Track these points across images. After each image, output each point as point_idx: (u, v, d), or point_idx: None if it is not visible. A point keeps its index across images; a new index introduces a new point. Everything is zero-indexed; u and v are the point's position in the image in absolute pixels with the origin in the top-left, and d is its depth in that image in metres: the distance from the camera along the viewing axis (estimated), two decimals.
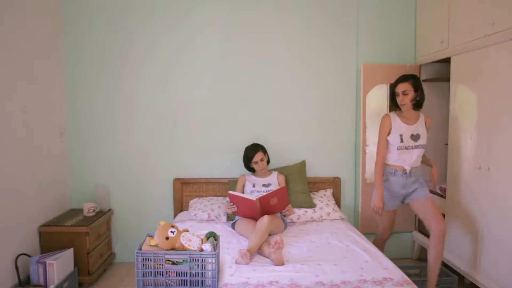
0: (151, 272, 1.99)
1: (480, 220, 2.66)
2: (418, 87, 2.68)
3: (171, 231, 2.05)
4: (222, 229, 2.92)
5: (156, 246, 2.04)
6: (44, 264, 2.68)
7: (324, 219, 3.19)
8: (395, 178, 2.75)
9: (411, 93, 2.66)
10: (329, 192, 3.50)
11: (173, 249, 2.04)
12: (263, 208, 2.79)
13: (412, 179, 2.74)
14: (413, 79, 2.68)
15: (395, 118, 2.74)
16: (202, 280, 2.00)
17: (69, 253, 2.87)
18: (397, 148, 2.71)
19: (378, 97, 3.49)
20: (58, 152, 3.34)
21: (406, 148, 2.70)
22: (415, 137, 2.70)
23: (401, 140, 2.69)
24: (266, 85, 3.51)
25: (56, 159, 3.30)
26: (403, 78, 2.70)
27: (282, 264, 2.25)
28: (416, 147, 2.71)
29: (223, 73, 3.49)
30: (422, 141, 2.71)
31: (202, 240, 2.10)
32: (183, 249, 2.03)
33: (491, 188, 2.56)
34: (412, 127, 2.71)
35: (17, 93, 2.76)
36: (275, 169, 3.38)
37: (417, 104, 2.72)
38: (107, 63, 3.44)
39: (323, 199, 3.36)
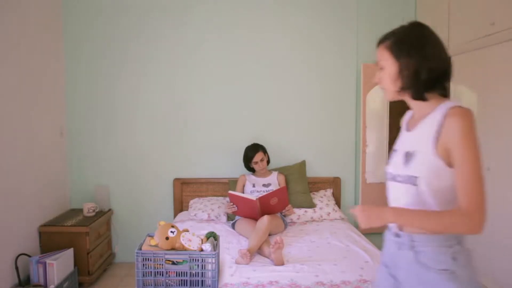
0: (151, 272, 1.99)
1: None
2: (404, 53, 1.22)
3: (171, 231, 2.05)
4: (222, 229, 2.92)
5: (156, 246, 2.04)
6: (44, 264, 2.68)
7: (324, 219, 3.19)
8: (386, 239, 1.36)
9: (389, 67, 1.25)
10: (329, 192, 3.50)
11: (173, 249, 2.04)
12: (263, 208, 2.79)
13: (409, 256, 1.23)
14: (393, 38, 1.25)
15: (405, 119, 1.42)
16: (202, 280, 2.01)
17: (69, 253, 2.86)
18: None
19: (378, 97, 3.49)
20: (58, 152, 3.34)
21: (391, 177, 1.32)
22: (406, 157, 1.25)
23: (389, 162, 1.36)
24: (266, 85, 3.51)
25: (56, 159, 3.30)
26: (383, 37, 1.29)
27: (282, 264, 2.26)
28: (399, 179, 1.27)
29: (224, 73, 3.49)
30: (417, 168, 1.20)
31: (202, 240, 2.11)
32: (183, 249, 2.03)
33: (491, 188, 2.56)
34: (409, 136, 1.31)
35: (17, 93, 2.76)
36: (275, 169, 3.38)
37: (409, 90, 1.25)
38: (107, 63, 3.44)
39: (323, 199, 3.36)
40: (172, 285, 2.00)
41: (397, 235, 1.28)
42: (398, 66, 1.24)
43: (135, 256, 2.00)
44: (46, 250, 2.92)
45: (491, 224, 2.60)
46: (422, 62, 1.20)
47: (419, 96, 1.25)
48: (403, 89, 1.26)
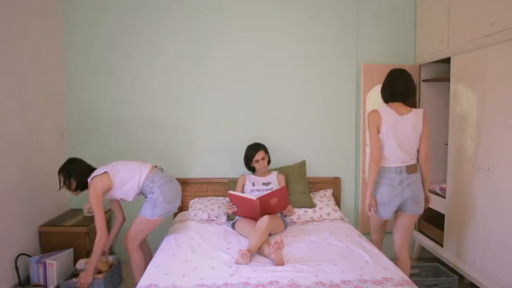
0: None
1: (480, 220, 2.66)
2: None
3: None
4: (222, 229, 2.92)
5: None
6: (44, 264, 2.68)
7: (324, 219, 3.19)
8: None
9: None
10: (329, 192, 3.50)
11: None
12: (263, 208, 2.79)
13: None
14: None
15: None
16: None
17: (69, 253, 2.87)
18: None
19: (378, 97, 3.48)
20: (58, 152, 3.34)
21: None
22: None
23: None
24: (266, 85, 3.51)
25: (56, 159, 3.29)
26: None
27: (282, 264, 2.25)
28: None
29: (223, 74, 3.48)
30: None
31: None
32: None
33: (491, 188, 2.56)
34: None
35: (17, 93, 2.76)
36: (275, 169, 3.38)
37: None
38: (107, 63, 3.43)
39: (323, 199, 3.36)
40: None
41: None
42: None
43: None
44: (46, 250, 2.92)
45: (492, 224, 2.60)
46: None
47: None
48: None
